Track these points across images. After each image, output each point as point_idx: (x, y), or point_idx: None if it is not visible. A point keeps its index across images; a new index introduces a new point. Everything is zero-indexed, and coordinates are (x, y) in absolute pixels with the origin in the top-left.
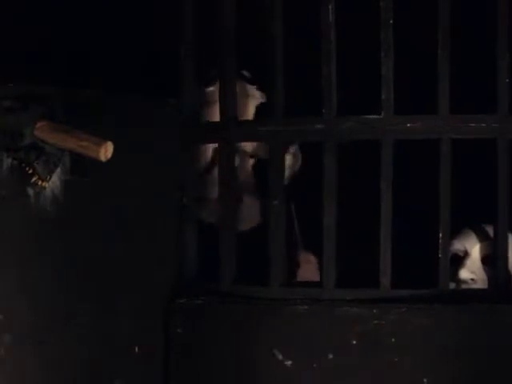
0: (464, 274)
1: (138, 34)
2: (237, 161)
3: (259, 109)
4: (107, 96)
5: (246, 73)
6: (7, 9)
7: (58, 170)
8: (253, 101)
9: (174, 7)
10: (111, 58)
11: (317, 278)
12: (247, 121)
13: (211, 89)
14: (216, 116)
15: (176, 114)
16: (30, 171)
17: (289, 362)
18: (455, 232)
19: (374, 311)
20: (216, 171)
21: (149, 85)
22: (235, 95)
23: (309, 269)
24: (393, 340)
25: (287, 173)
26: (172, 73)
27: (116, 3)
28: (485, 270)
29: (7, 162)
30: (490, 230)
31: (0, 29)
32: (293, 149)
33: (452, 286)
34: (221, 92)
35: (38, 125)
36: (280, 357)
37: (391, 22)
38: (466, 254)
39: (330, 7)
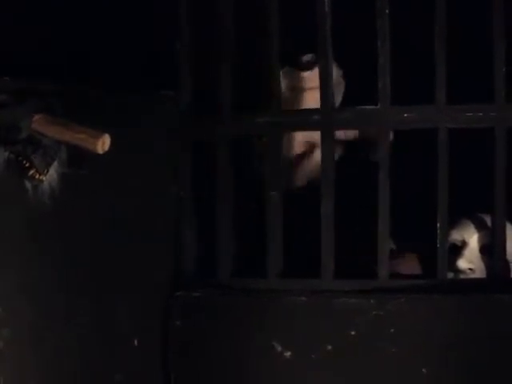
0: (462, 263)
1: (137, 33)
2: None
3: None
4: (106, 92)
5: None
6: (7, 7)
7: (55, 163)
8: (340, 88)
9: (173, 6)
10: (110, 57)
11: (418, 271)
12: (245, 113)
13: (307, 73)
14: (309, 102)
15: (174, 109)
16: (28, 164)
17: (288, 353)
18: (453, 222)
19: (372, 302)
20: (306, 163)
21: (148, 83)
22: (229, 88)
23: (409, 262)
24: (391, 330)
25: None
26: (170, 71)
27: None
28: (483, 259)
29: (4, 155)
30: (488, 220)
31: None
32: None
33: (450, 275)
34: (219, 86)
35: (35, 118)
36: (279, 348)
37: (387, 11)
38: (464, 243)
39: None
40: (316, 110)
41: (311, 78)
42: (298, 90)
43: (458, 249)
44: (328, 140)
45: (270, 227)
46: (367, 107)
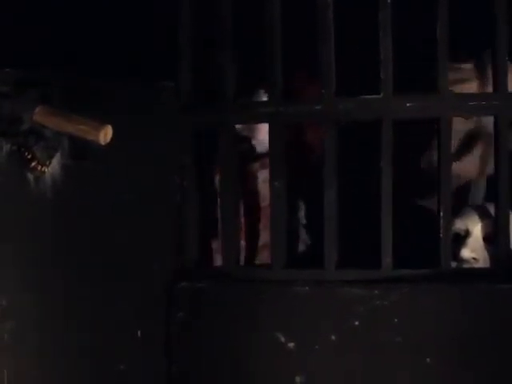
0: (466, 253)
1: (136, 24)
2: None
3: None
4: (105, 82)
5: None
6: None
7: (58, 154)
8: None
9: None
10: (109, 48)
11: None
12: (247, 102)
13: (467, 65)
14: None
15: (174, 98)
16: (30, 156)
17: (291, 344)
18: (457, 211)
19: (376, 292)
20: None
21: (147, 74)
22: (233, 74)
23: None
24: (395, 320)
25: None
26: (170, 61)
27: None
28: (487, 249)
29: (6, 147)
30: (492, 209)
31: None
32: None
33: (454, 265)
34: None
35: (37, 109)
36: (282, 339)
37: (389, 1)
38: (468, 233)
39: None
40: (318, 99)
41: (472, 69)
42: (457, 82)
43: (461, 238)
44: (330, 130)
45: (274, 217)
46: (370, 97)
